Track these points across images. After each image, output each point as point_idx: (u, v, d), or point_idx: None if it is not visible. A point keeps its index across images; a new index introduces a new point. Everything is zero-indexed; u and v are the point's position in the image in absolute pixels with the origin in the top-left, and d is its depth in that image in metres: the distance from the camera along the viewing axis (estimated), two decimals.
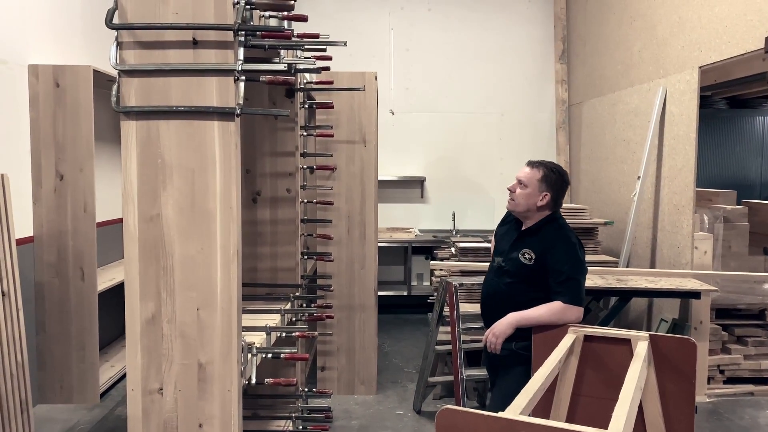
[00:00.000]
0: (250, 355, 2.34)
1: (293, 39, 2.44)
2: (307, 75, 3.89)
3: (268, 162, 3.39)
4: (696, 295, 3.58)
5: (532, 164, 2.61)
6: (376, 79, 4.05)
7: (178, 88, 2.13)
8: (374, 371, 4.15)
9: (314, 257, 3.67)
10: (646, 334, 2.10)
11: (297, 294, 3.36)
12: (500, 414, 1.45)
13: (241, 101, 2.12)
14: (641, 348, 2.02)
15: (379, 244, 6.17)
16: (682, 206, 4.14)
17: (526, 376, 2.15)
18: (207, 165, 2.14)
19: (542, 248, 2.49)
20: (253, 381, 2.31)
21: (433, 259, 5.66)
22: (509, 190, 2.65)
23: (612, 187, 5.31)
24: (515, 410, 1.51)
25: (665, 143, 4.38)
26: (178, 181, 2.15)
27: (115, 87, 2.13)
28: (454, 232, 6.39)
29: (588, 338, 2.20)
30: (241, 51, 2.11)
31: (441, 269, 4.65)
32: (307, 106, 3.55)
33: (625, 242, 4.59)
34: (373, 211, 4.07)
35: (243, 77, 2.12)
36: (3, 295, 2.80)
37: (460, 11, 6.64)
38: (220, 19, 2.10)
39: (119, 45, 2.12)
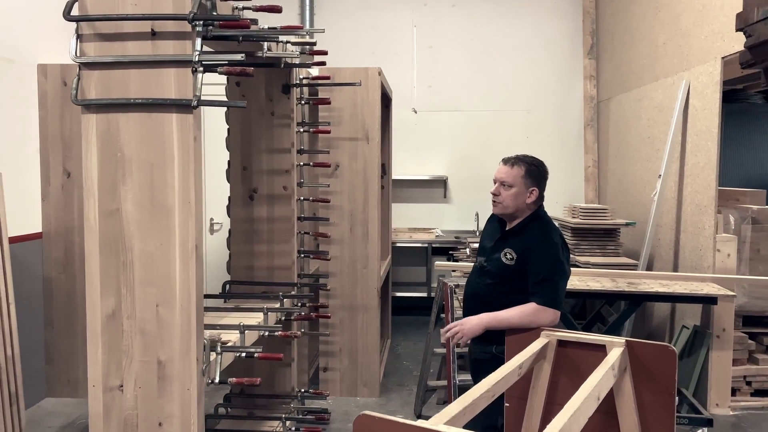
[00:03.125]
0: (215, 354, 2.29)
1: (261, 29, 2.37)
2: (305, 70, 3.84)
3: (265, 159, 3.34)
4: (713, 300, 3.35)
5: (511, 162, 2.47)
6: (379, 74, 3.96)
7: (137, 81, 2.10)
8: (377, 373, 4.06)
9: (311, 256, 3.60)
10: (622, 339, 1.95)
11: (293, 293, 3.31)
12: (420, 423, 1.34)
13: (199, 93, 2.07)
14: (612, 355, 1.87)
15: (400, 245, 6.11)
16: (704, 206, 3.90)
17: None
18: (165, 159, 2.11)
19: (524, 247, 2.36)
20: (217, 380, 2.26)
21: (455, 260, 5.52)
22: (493, 194, 2.50)
23: (637, 187, 5.06)
24: (442, 418, 1.40)
25: (688, 139, 4.14)
26: (137, 175, 2.12)
27: (75, 80, 2.11)
28: (477, 233, 6.23)
29: (562, 343, 2.06)
30: (198, 41, 2.06)
31: (454, 270, 4.52)
32: (303, 102, 3.49)
33: (645, 244, 4.36)
34: (376, 209, 3.98)
35: (201, 68, 2.07)
36: None
37: (486, 6, 6.48)
38: (179, 10, 2.06)
39: (79, 37, 2.10)
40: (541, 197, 2.47)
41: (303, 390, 3.47)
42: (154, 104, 2.08)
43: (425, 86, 6.57)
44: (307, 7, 6.38)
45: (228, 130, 3.36)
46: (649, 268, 4.59)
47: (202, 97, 2.10)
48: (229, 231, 3.40)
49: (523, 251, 2.34)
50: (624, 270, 3.99)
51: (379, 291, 4.03)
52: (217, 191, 5.16)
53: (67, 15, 2.06)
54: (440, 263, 4.20)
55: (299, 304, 3.35)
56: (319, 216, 3.91)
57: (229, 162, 3.38)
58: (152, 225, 2.12)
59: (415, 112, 6.58)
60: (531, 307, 2.22)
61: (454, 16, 6.52)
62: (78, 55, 2.10)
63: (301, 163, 3.48)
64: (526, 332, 2.17)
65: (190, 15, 2.01)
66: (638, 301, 3.39)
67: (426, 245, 6.11)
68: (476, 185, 6.60)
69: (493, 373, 1.70)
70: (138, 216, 2.12)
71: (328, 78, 3.55)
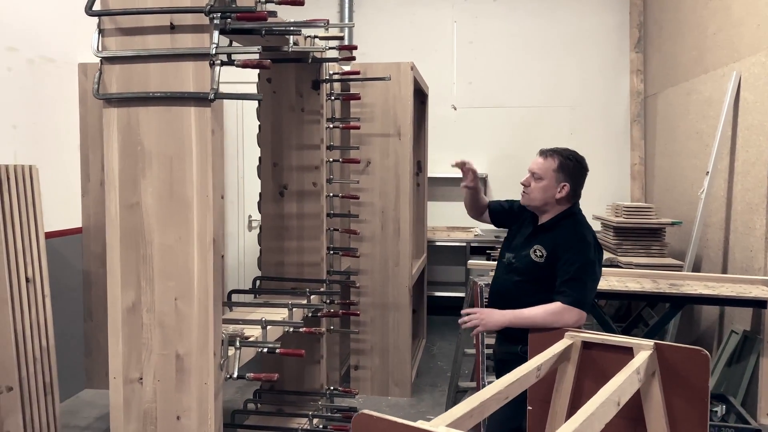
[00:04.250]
0: (233, 349, 2.28)
1: (282, 22, 2.34)
2: (338, 66, 3.81)
3: (295, 155, 3.33)
4: (762, 303, 3.15)
5: (545, 153, 2.38)
6: (412, 69, 3.90)
7: (157, 74, 2.10)
8: (408, 373, 4.00)
9: (340, 253, 3.57)
10: (650, 342, 1.84)
11: (322, 290, 3.29)
12: (419, 423, 1.29)
13: (216, 86, 2.06)
14: (639, 358, 1.76)
15: (438, 244, 6.03)
16: (755, 204, 3.68)
17: None
18: (184, 152, 2.11)
19: (554, 245, 2.26)
20: (235, 375, 2.25)
21: (493, 259, 5.41)
22: (523, 184, 2.43)
23: (685, 185, 4.84)
24: (446, 419, 1.34)
25: (739, 134, 3.92)
26: (157, 169, 2.13)
27: (96, 74, 2.13)
28: None
29: (587, 345, 1.96)
30: (216, 34, 2.04)
31: (493, 270, 4.41)
32: (333, 98, 3.46)
33: (691, 244, 4.16)
34: (408, 206, 3.92)
35: (219, 61, 2.06)
36: (27, 281, 2.90)
37: (528, 0, 6.33)
38: (196, 2, 2.05)
39: (101, 32, 2.12)
40: (575, 194, 2.36)
41: (332, 388, 3.45)
42: (172, 98, 2.08)
43: (465, 83, 6.46)
44: (346, 4, 6.36)
45: (259, 126, 3.36)
46: (697, 269, 4.38)
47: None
48: (260, 227, 3.41)
49: (554, 249, 2.25)
50: (668, 271, 3.80)
51: (410, 289, 3.97)
52: (255, 188, 5.20)
53: (89, 10, 2.09)
54: (473, 262, 4.11)
55: (328, 301, 3.33)
56: (351, 213, 3.87)
57: (260, 158, 3.39)
58: (171, 218, 2.12)
59: (455, 109, 6.49)
60: (556, 306, 2.12)
61: (495, 11, 6.40)
62: (100, 50, 2.12)
63: (331, 160, 3.45)
64: (551, 331, 2.08)
65: (206, 7, 2.00)
66: (680, 303, 3.23)
67: (464, 244, 6.01)
68: (517, 184, 6.37)
69: (507, 375, 1.63)
70: (157, 209, 2.13)
71: (357, 73, 3.51)
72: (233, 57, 2.07)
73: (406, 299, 3.95)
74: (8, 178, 2.85)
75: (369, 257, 3.96)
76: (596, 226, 5.20)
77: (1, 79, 3.38)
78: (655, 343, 1.84)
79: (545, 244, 2.30)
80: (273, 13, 2.17)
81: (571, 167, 2.35)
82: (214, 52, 2.03)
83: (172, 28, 2.07)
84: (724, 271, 4.06)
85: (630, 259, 4.28)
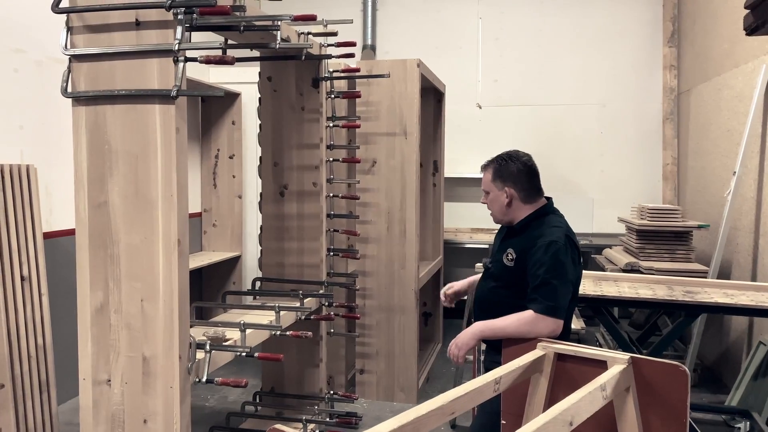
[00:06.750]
0: (203, 352, 2.23)
1: (259, 17, 2.28)
2: (344, 64, 3.73)
3: (295, 154, 3.28)
4: None
5: (482, 167, 2.31)
6: (419, 66, 3.78)
7: (123, 72, 2.07)
8: (415, 378, 3.89)
9: (340, 254, 3.50)
10: (626, 355, 1.69)
11: (321, 292, 3.22)
12: None
13: (179, 82, 2.01)
14: (609, 373, 1.62)
15: (459, 246, 5.89)
16: None
17: None
18: (149, 151, 2.07)
19: (522, 247, 2.14)
20: (204, 379, 2.19)
21: None
22: (483, 203, 2.35)
23: (716, 186, 4.57)
24: None
25: None
26: (123, 168, 2.10)
27: (64, 72, 2.12)
28: None
29: (562, 357, 1.82)
30: (179, 30, 1.99)
31: None
32: (333, 96, 3.38)
33: (716, 249, 3.91)
34: (414, 207, 3.81)
35: (183, 58, 2.01)
36: (23, 279, 2.93)
37: None
38: None
39: (69, 30, 2.11)
40: (528, 194, 2.22)
41: (332, 392, 3.37)
42: (137, 95, 2.04)
43: (490, 80, 6.29)
44: (369, 2, 6.28)
45: (260, 125, 3.32)
46: (726, 276, 4.13)
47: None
48: (260, 227, 3.37)
49: (522, 251, 2.12)
50: (688, 277, 3.57)
51: (416, 292, 3.85)
52: None
53: (55, 7, 2.07)
54: (480, 265, 3.96)
55: (326, 303, 3.26)
56: (352, 214, 3.79)
57: (260, 158, 3.35)
58: (137, 218, 2.09)
59: (480, 107, 6.32)
60: (528, 315, 1.98)
61: (522, 7, 6.20)
62: (68, 47, 2.10)
63: (331, 159, 3.38)
64: (526, 343, 1.94)
65: (167, 2, 1.95)
66: (694, 312, 3.02)
67: (487, 246, 5.85)
68: (545, 184, 6.20)
69: (456, 388, 1.52)
70: (124, 209, 2.10)
71: (358, 70, 3.43)
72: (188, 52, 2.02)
73: (413, 302, 3.84)
74: (3, 177, 2.88)
75: (374, 259, 3.87)
76: (620, 228, 4.98)
77: (7, 80, 3.43)
78: (630, 356, 1.69)
79: (515, 246, 2.19)
80: (240, 8, 2.11)
81: (504, 170, 2.23)
82: (177, 48, 1.98)
83: (138, 25, 2.04)
84: (754, 277, 3.80)
85: (652, 264, 4.05)
